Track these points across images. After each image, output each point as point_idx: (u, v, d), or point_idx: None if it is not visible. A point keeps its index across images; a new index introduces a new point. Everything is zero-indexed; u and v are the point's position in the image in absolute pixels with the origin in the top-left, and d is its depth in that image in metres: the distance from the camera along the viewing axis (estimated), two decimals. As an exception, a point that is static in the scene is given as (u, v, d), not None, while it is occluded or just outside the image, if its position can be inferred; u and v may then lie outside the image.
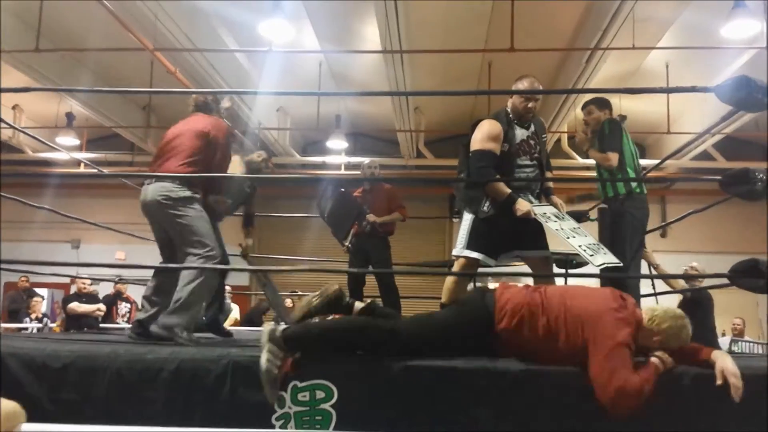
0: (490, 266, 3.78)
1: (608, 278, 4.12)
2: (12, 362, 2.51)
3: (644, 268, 4.48)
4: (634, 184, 4.15)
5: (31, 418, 2.23)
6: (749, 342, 8.20)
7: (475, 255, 3.71)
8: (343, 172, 12.50)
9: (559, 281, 5.41)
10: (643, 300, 4.36)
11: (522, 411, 2.40)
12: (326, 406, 2.38)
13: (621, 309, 2.44)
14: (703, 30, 7.94)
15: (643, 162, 5.19)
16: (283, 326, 2.43)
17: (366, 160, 6.18)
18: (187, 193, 3.41)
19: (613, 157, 4.10)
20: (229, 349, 2.58)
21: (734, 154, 11.56)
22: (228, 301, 8.11)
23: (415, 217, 6.17)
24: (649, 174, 6.33)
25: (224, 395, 2.43)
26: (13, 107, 11.63)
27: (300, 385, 2.40)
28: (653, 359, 2.40)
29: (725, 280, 2.84)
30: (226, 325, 6.50)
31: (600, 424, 2.33)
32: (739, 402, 2.29)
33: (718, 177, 2.88)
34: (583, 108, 4.49)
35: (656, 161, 7.93)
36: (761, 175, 2.72)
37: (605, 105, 4.42)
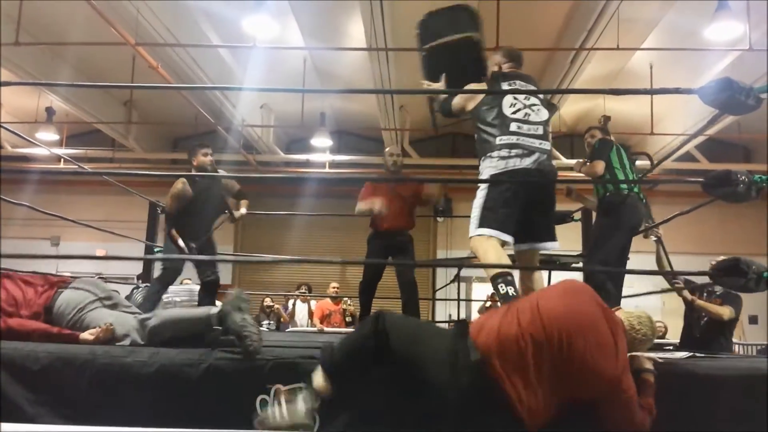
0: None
1: (596, 271, 4.18)
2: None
3: (635, 264, 4.50)
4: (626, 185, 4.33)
5: (9, 419, 2.19)
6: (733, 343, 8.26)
7: None
8: (327, 170, 12.46)
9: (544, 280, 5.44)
10: (622, 300, 4.40)
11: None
12: None
13: (619, 340, 2.28)
14: (687, 31, 8.01)
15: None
16: None
17: (387, 147, 5.87)
18: None
19: (598, 165, 4.29)
20: (210, 351, 2.55)
21: (717, 156, 11.67)
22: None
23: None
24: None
25: (204, 398, 2.40)
26: (-8, 101, 11.45)
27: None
28: (649, 378, 2.36)
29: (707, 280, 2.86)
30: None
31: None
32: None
33: (701, 179, 2.89)
34: (587, 131, 4.78)
35: (645, 164, 8.00)
36: (743, 177, 2.73)
37: (606, 132, 4.77)
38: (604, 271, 4.14)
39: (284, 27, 8.36)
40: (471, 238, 3.34)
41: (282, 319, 9.42)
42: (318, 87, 10.45)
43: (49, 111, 11.71)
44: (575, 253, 5.66)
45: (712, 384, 2.47)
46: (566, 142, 12.23)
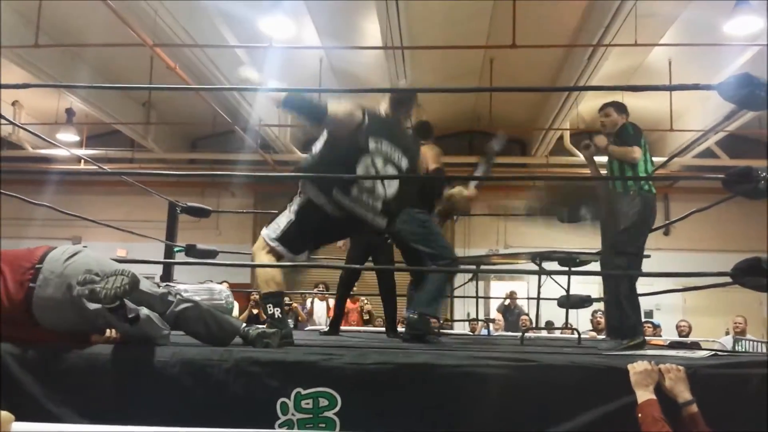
0: None
1: (611, 275, 4.13)
2: (11, 362, 2.47)
3: (645, 266, 4.43)
4: (644, 183, 4.14)
5: (31, 418, 2.21)
6: (752, 341, 8.17)
7: None
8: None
9: (563, 278, 5.41)
10: (642, 299, 4.33)
11: (534, 418, 2.34)
12: (330, 413, 2.34)
13: None
14: (706, 27, 7.92)
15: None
16: None
17: None
18: None
19: (636, 152, 4.12)
20: (232, 350, 2.56)
21: (737, 152, 11.53)
22: (231, 298, 8.07)
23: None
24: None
25: (227, 398, 2.40)
26: (13, 103, 11.61)
27: (303, 392, 2.36)
28: (692, 409, 2.23)
29: (728, 279, 2.82)
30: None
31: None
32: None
33: (722, 175, 2.86)
34: (601, 109, 4.48)
35: (661, 159, 7.92)
36: (764, 174, 2.70)
37: (623, 110, 4.43)
38: (626, 274, 4.05)
39: (300, 27, 8.40)
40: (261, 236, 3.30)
41: (300, 318, 9.46)
42: (334, 86, 10.47)
43: (69, 112, 11.86)
44: (594, 251, 5.60)
45: (736, 383, 2.41)
46: (584, 139, 12.12)
